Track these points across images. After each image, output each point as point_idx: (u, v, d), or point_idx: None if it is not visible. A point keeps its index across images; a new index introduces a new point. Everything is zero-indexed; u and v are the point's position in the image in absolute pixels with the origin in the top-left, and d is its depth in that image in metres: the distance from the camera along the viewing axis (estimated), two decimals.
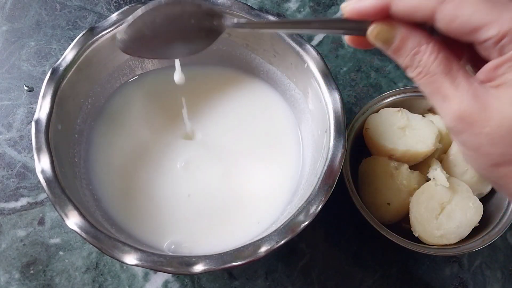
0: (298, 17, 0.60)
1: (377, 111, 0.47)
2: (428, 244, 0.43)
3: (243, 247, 0.33)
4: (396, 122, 0.45)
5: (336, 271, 0.47)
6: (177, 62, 0.39)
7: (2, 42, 0.56)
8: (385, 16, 0.26)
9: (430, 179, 0.44)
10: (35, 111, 0.37)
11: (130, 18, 0.30)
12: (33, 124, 0.37)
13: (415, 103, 0.48)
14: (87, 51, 0.40)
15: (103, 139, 0.44)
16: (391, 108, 0.46)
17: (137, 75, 0.48)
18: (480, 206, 0.42)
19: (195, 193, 0.43)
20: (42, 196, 0.48)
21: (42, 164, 0.35)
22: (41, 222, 0.47)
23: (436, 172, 0.43)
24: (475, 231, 0.42)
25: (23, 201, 0.48)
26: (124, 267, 0.45)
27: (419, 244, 0.42)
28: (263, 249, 0.33)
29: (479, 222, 0.42)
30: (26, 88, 0.53)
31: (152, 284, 0.44)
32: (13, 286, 0.44)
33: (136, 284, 0.44)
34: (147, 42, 0.31)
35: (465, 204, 0.42)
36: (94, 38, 0.41)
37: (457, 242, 0.42)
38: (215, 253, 0.33)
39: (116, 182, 0.43)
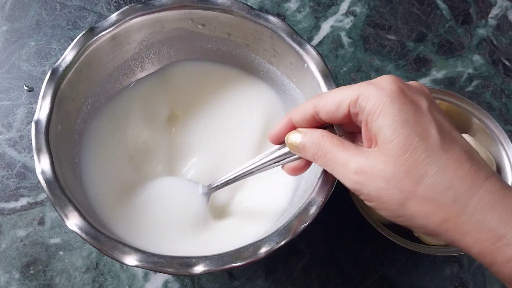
0: (298, 17, 0.60)
1: None
2: (428, 244, 0.43)
3: (243, 248, 0.33)
4: None
5: (336, 271, 0.47)
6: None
7: (2, 42, 0.56)
8: (292, 128, 0.34)
9: None
10: (35, 111, 0.37)
11: None
12: (33, 124, 0.37)
13: None
14: (87, 51, 0.40)
15: (103, 140, 0.44)
16: None
17: (136, 75, 0.48)
18: None
19: (195, 193, 0.43)
20: (42, 196, 0.48)
21: (42, 164, 0.35)
22: (41, 222, 0.47)
23: None
24: None
25: (23, 201, 0.48)
26: (124, 267, 0.45)
27: (419, 244, 0.42)
28: (263, 250, 0.33)
29: None
30: (26, 88, 0.53)
31: (152, 284, 0.45)
32: (13, 286, 0.44)
33: (136, 284, 0.44)
34: None
35: None
36: (94, 38, 0.40)
37: None
38: (215, 254, 0.33)
39: (115, 182, 0.43)
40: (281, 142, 0.35)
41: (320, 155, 0.32)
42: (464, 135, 0.44)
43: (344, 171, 0.30)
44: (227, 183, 0.39)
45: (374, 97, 0.28)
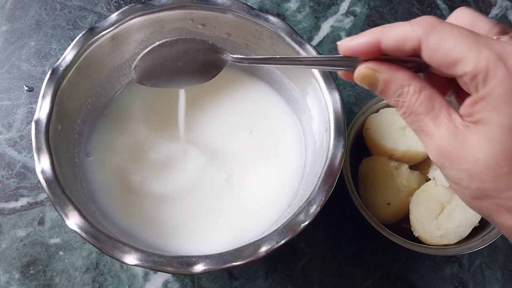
0: (298, 17, 0.60)
1: (377, 111, 0.47)
2: (428, 244, 0.43)
3: (243, 247, 0.33)
4: (396, 122, 0.45)
5: (336, 271, 0.47)
6: (181, 93, 0.40)
7: (2, 42, 0.56)
8: (377, 52, 0.26)
9: (430, 179, 0.44)
10: (35, 111, 0.37)
11: (143, 52, 0.34)
12: (33, 124, 0.37)
13: None
14: (87, 51, 0.40)
15: (103, 139, 0.44)
16: (391, 108, 0.46)
17: None
18: None
19: (196, 194, 0.43)
20: (42, 196, 0.48)
21: (42, 164, 0.35)
22: (41, 222, 0.47)
23: (436, 172, 0.43)
24: (475, 231, 0.42)
25: (23, 201, 0.48)
26: (124, 267, 0.45)
27: (419, 244, 0.42)
28: (263, 249, 0.33)
29: (479, 222, 0.42)
30: (26, 88, 0.53)
31: (152, 284, 0.44)
32: (13, 286, 0.44)
33: (136, 284, 0.44)
34: (157, 74, 0.35)
35: (465, 204, 0.41)
36: (94, 38, 0.41)
37: (457, 242, 0.42)
38: (215, 253, 0.33)
39: (115, 182, 0.43)
40: (351, 54, 0.28)
41: (402, 106, 0.26)
42: None
43: (428, 142, 0.26)
44: (258, 61, 0.34)
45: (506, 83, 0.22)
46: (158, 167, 0.44)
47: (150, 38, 0.45)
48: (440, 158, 0.25)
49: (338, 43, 0.28)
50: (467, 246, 0.42)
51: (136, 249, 0.33)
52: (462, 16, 0.27)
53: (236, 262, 0.33)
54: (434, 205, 0.42)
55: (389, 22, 0.59)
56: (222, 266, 0.33)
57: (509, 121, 0.22)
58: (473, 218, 0.42)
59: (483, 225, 0.43)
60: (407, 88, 0.26)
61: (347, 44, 0.27)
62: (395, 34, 0.25)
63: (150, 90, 0.47)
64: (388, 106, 0.47)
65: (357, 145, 0.47)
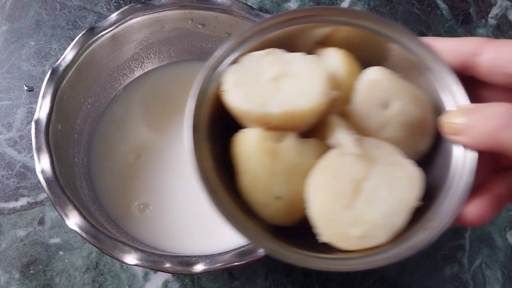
0: None
1: (235, 61, 0.29)
2: (344, 251, 0.26)
3: (243, 246, 0.33)
4: (266, 71, 0.28)
5: (336, 271, 0.47)
6: None
7: (2, 42, 0.56)
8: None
9: (332, 148, 0.27)
10: (35, 111, 0.37)
11: None
12: (33, 124, 0.37)
13: (300, 37, 0.30)
14: (87, 51, 0.41)
15: (103, 139, 0.44)
16: (255, 53, 0.29)
17: (136, 75, 0.48)
18: (417, 173, 0.26)
19: (195, 193, 0.43)
20: (42, 196, 0.48)
21: (42, 164, 0.35)
22: (41, 222, 0.47)
23: (339, 135, 0.27)
24: (419, 215, 0.26)
25: (23, 201, 0.47)
26: (124, 267, 0.45)
27: (327, 256, 0.25)
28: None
29: (422, 200, 0.26)
30: (26, 88, 0.53)
31: (152, 284, 0.44)
32: (13, 286, 0.44)
33: (136, 284, 0.44)
34: None
35: (391, 175, 0.26)
36: (94, 38, 0.41)
37: (391, 240, 0.25)
38: (215, 252, 0.33)
39: (115, 182, 0.43)
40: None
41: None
42: (375, 68, 0.29)
43: None
44: None
45: None
46: (158, 167, 0.44)
47: (150, 38, 0.45)
48: None
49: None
50: (409, 245, 0.25)
51: (136, 249, 0.33)
52: None
53: (236, 262, 0.33)
54: (344, 186, 0.26)
55: None
56: (222, 266, 0.33)
57: None
58: (409, 194, 0.26)
59: (428, 202, 0.26)
60: None
61: None
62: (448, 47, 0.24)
63: (150, 91, 0.47)
64: (252, 50, 0.29)
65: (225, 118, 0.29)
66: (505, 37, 0.60)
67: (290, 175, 0.27)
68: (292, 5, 0.61)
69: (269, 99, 0.27)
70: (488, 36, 0.60)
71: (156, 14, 0.43)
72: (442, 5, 0.62)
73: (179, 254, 0.33)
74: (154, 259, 0.33)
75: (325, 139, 0.28)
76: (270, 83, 0.28)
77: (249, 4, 0.44)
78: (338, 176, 0.26)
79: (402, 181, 0.26)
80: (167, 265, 0.33)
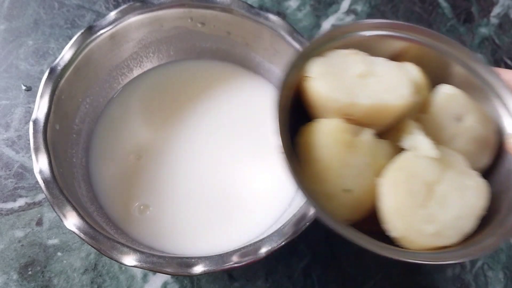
0: (298, 15, 0.60)
1: (321, 54, 0.32)
2: (413, 249, 0.28)
3: (243, 247, 0.33)
4: (352, 67, 0.30)
5: (337, 272, 0.46)
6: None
7: (0, 41, 0.55)
8: None
9: (406, 150, 0.29)
10: (33, 111, 0.37)
11: None
12: (31, 124, 0.36)
13: (377, 45, 0.33)
14: (85, 50, 0.40)
15: (101, 139, 0.44)
16: (340, 50, 0.32)
17: (135, 75, 0.47)
18: (484, 184, 0.29)
19: (195, 194, 0.42)
20: (40, 196, 0.47)
21: (40, 164, 0.35)
22: (39, 222, 0.46)
23: (416, 138, 0.29)
24: (482, 223, 0.29)
25: (21, 202, 0.47)
26: (123, 268, 0.45)
27: (400, 249, 0.28)
28: (264, 250, 0.33)
29: (487, 209, 0.29)
30: (24, 87, 0.53)
31: (151, 285, 0.44)
32: (11, 287, 0.44)
33: (135, 285, 0.44)
34: None
35: (461, 183, 0.28)
36: (93, 37, 0.40)
37: (460, 241, 0.28)
38: (215, 254, 0.33)
39: (114, 182, 0.42)
40: None
41: None
42: (444, 86, 0.31)
43: None
44: None
45: None
46: (159, 168, 0.44)
47: (149, 37, 0.45)
48: None
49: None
50: (479, 247, 0.27)
51: (135, 250, 0.33)
52: None
53: (236, 263, 0.32)
54: (419, 186, 0.28)
55: None
56: (222, 267, 0.32)
57: None
58: (476, 203, 0.28)
59: (493, 212, 0.29)
60: None
61: None
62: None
63: (149, 90, 0.47)
64: (340, 47, 0.32)
65: (297, 108, 0.31)
66: (507, 36, 0.60)
67: (362, 169, 0.28)
68: (293, 3, 0.60)
69: (357, 91, 0.29)
70: (490, 35, 0.60)
71: (155, 13, 0.42)
72: (444, 4, 0.62)
73: (178, 255, 0.33)
74: (153, 260, 0.32)
75: (399, 141, 0.30)
76: (357, 79, 0.30)
77: (249, 2, 0.44)
78: (413, 176, 0.28)
79: (471, 190, 0.28)
80: (166, 266, 0.32)
